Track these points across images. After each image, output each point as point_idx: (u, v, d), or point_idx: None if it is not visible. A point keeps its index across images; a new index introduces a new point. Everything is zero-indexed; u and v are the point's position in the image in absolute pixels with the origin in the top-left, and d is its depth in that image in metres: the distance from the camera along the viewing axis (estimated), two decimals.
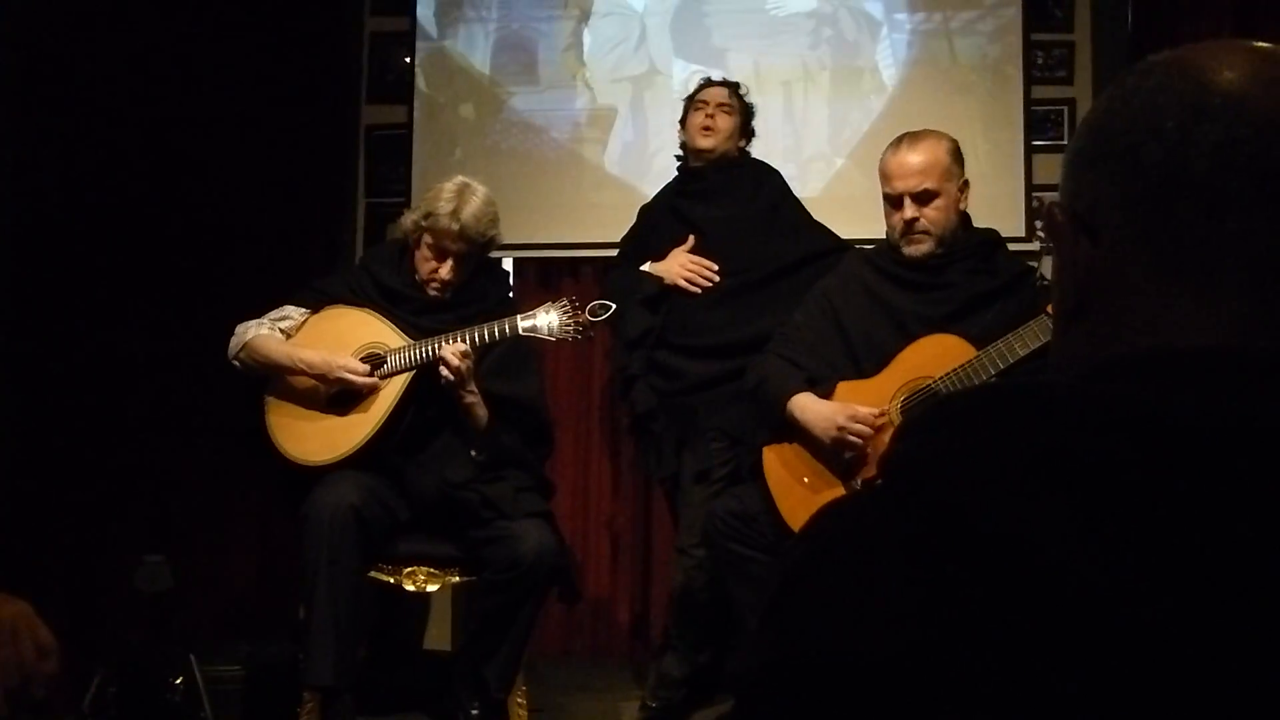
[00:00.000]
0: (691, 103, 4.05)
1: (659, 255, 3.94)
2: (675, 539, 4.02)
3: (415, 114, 4.71)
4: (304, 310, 3.57)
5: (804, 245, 3.91)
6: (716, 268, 3.87)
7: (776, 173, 4.09)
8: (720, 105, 3.99)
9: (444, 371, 3.30)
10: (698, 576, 3.70)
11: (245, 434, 3.60)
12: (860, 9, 4.41)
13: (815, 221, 4.01)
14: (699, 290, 3.86)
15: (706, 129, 3.96)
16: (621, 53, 4.43)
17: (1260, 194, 0.77)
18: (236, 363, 3.52)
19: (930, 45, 4.38)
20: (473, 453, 3.41)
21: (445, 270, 3.46)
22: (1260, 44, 0.83)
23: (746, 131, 4.06)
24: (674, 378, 3.84)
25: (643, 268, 3.95)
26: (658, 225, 4.05)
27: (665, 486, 4.04)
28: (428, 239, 3.46)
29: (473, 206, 3.44)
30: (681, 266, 3.88)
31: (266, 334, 3.50)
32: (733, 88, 4.07)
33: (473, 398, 3.38)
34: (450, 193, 3.47)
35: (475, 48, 4.60)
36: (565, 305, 3.34)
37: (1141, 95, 0.82)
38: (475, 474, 3.39)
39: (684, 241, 3.92)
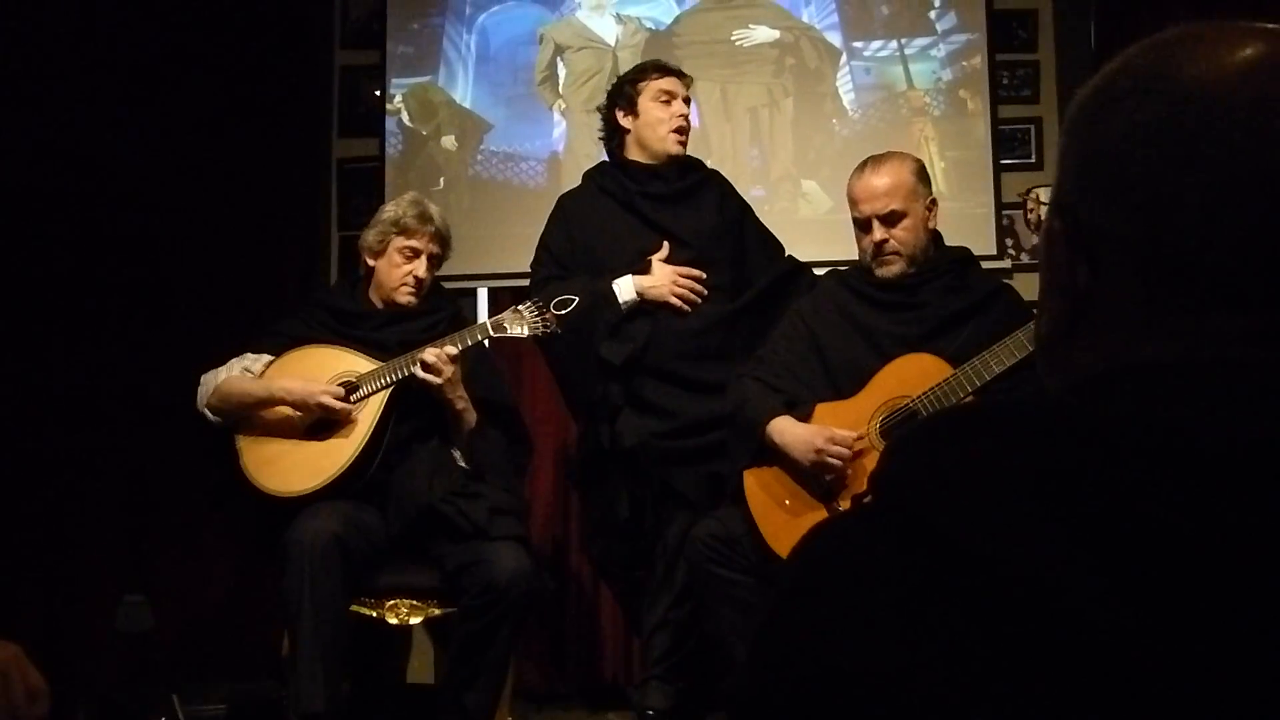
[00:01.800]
0: (642, 87, 3.74)
1: (628, 266, 3.67)
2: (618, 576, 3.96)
3: (400, 146, 4.76)
4: (265, 357, 3.54)
5: (775, 265, 3.80)
6: (704, 277, 3.66)
7: (727, 180, 3.92)
8: (687, 100, 3.76)
9: (428, 376, 3.30)
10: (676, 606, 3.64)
11: (211, 488, 3.57)
12: (820, 38, 4.53)
13: (769, 233, 3.88)
14: (688, 310, 3.65)
15: (682, 130, 3.72)
16: (595, 84, 4.51)
17: (1253, 212, 0.75)
18: (207, 410, 3.48)
19: (887, 70, 4.51)
20: (459, 459, 3.42)
21: (420, 268, 3.52)
22: (1259, 34, 0.80)
23: None
24: (667, 417, 3.60)
25: (620, 281, 3.64)
26: (618, 231, 3.73)
27: (625, 530, 3.72)
28: (398, 243, 3.52)
29: (435, 210, 3.58)
30: (673, 283, 3.63)
31: (237, 375, 3.49)
32: (688, 80, 3.81)
33: (462, 402, 3.41)
34: (409, 202, 3.59)
35: (456, 82, 4.71)
36: (530, 305, 3.37)
37: (1143, 118, 0.79)
38: (464, 482, 3.39)
39: (655, 249, 3.69)
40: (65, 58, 4.33)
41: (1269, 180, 0.76)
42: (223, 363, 3.53)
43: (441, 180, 4.71)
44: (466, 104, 4.74)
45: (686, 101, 3.76)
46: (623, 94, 3.78)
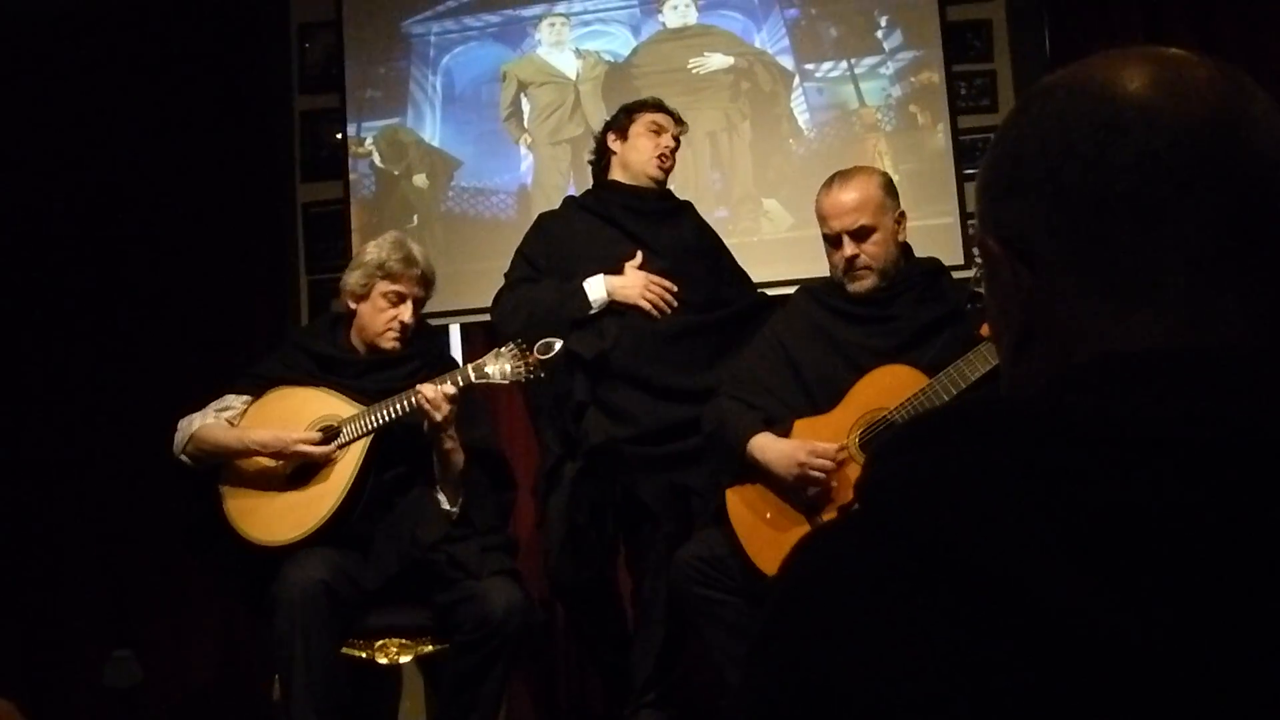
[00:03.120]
0: (638, 117, 3.86)
1: (599, 269, 3.70)
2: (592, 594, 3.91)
3: (374, 187, 4.82)
4: (245, 398, 3.50)
5: (748, 295, 3.87)
6: (677, 289, 3.69)
7: (704, 219, 4.02)
8: (675, 138, 3.87)
9: (429, 410, 3.23)
10: (655, 634, 3.65)
11: (187, 532, 3.54)
12: (773, 62, 4.64)
13: (744, 271, 3.96)
14: (658, 315, 3.66)
15: (665, 161, 3.82)
16: (559, 117, 4.63)
17: (1185, 200, 0.77)
18: (184, 457, 3.43)
19: (838, 90, 4.62)
20: (447, 505, 3.36)
21: (406, 313, 3.44)
22: (1154, 49, 0.84)
23: None
24: (629, 422, 3.61)
25: (592, 280, 3.68)
26: (591, 237, 3.79)
27: (596, 541, 3.75)
28: (383, 288, 3.43)
29: (418, 252, 3.49)
30: (645, 286, 3.67)
31: (212, 422, 3.43)
32: (679, 119, 3.92)
33: (452, 443, 3.34)
34: (391, 243, 3.49)
35: (424, 122, 4.80)
36: (512, 349, 3.28)
37: (1050, 119, 0.83)
38: (448, 529, 3.34)
39: (628, 256, 3.72)
40: (26, 110, 4.33)
41: (1184, 171, 0.78)
42: (200, 406, 3.48)
43: (415, 218, 4.78)
44: (435, 143, 4.82)
45: (676, 141, 3.86)
46: (617, 120, 3.89)
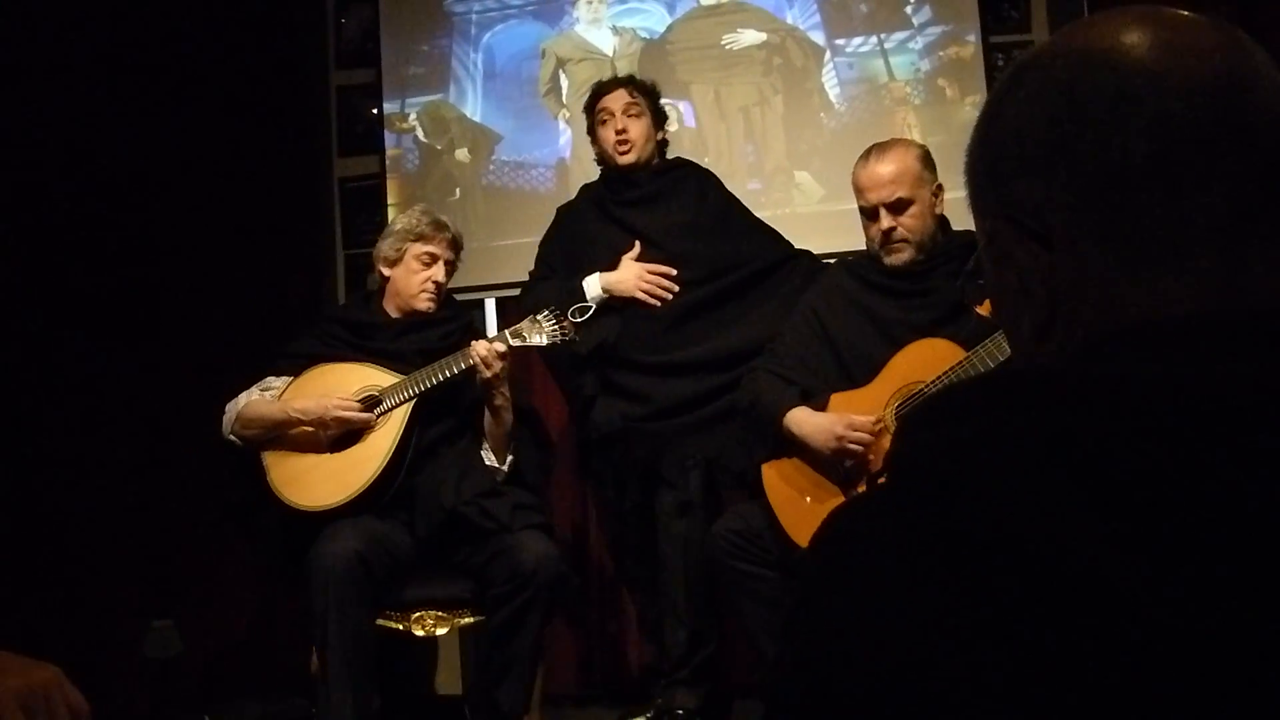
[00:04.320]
0: (593, 114, 3.93)
1: (601, 266, 3.79)
2: (633, 570, 4.03)
3: (417, 161, 4.93)
4: (285, 378, 3.58)
5: (763, 251, 3.84)
6: (675, 274, 3.74)
7: (713, 174, 4.04)
8: (625, 110, 3.87)
9: (481, 369, 3.33)
10: (684, 609, 3.70)
11: (233, 508, 3.59)
12: (805, 38, 4.70)
13: (764, 224, 3.96)
14: (658, 304, 3.72)
15: (623, 144, 3.83)
16: None
17: (1208, 163, 0.76)
18: (234, 438, 3.52)
19: (868, 65, 4.68)
20: (494, 462, 3.45)
21: (440, 273, 3.57)
22: (1145, 8, 0.83)
23: (660, 121, 3.94)
24: (642, 401, 3.70)
25: (589, 279, 3.77)
26: (595, 235, 3.88)
27: (629, 520, 3.89)
28: (415, 250, 3.57)
29: (447, 217, 3.64)
30: (639, 278, 3.74)
31: (256, 398, 3.51)
32: (627, 83, 3.96)
33: (503, 400, 3.43)
34: (420, 210, 3.66)
35: (466, 98, 4.92)
36: (547, 314, 3.41)
37: (1053, 91, 0.81)
38: (494, 485, 3.41)
39: (628, 250, 3.79)
40: (64, 87, 4.35)
41: (1203, 133, 0.77)
42: (243, 388, 3.56)
43: (457, 191, 4.89)
44: (477, 118, 4.93)
45: (635, 110, 3.87)
46: (587, 121, 4.00)
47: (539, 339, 3.36)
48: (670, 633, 3.77)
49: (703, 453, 3.67)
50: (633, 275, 3.75)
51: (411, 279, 3.57)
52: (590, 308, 3.37)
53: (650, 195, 3.89)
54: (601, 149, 3.94)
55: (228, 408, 3.54)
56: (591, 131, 3.98)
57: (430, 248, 3.57)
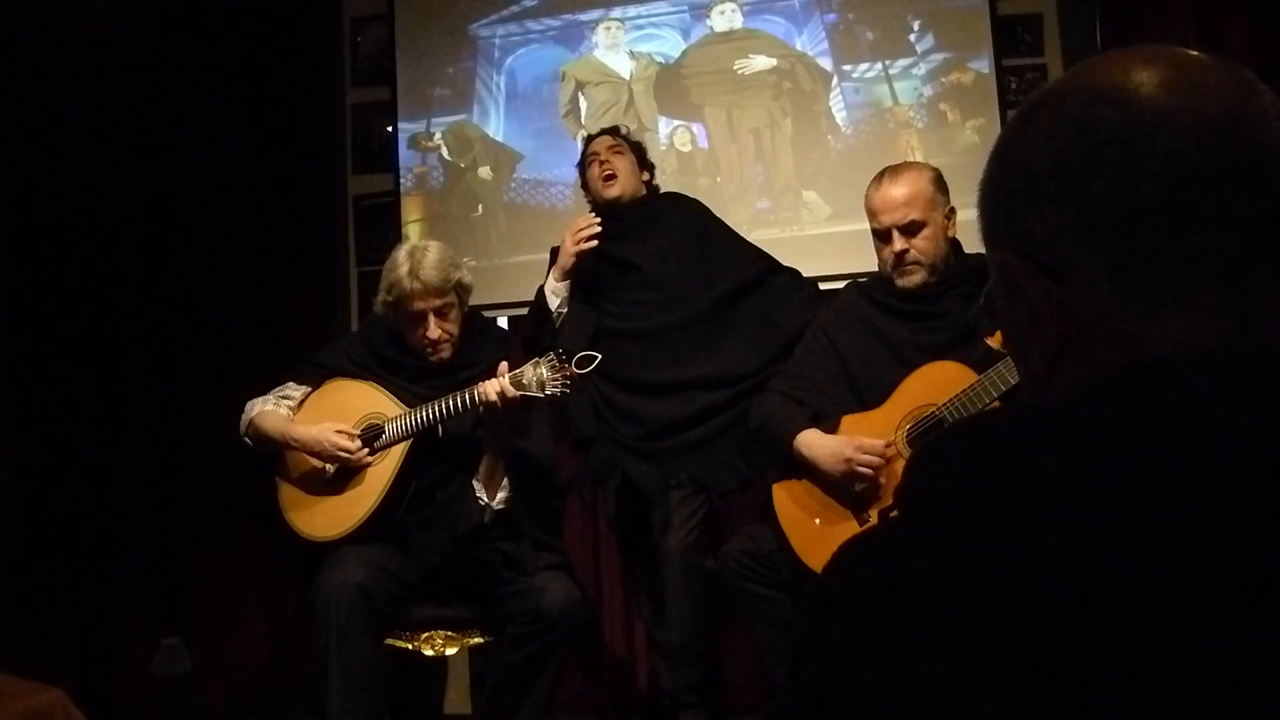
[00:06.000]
0: (584, 162, 4.11)
1: (596, 296, 3.92)
2: (635, 594, 4.06)
3: (442, 178, 5.08)
4: (305, 387, 3.56)
5: (743, 269, 3.89)
6: (597, 219, 3.88)
7: (697, 200, 4.14)
8: (610, 149, 4.04)
9: (485, 410, 3.24)
10: (674, 628, 3.71)
11: (253, 506, 3.59)
12: (813, 63, 4.88)
13: (747, 242, 4.03)
14: (595, 243, 3.83)
15: (608, 177, 3.98)
16: (614, 114, 4.87)
17: (1218, 202, 0.76)
18: (247, 439, 3.52)
19: (873, 89, 4.86)
20: (485, 499, 3.34)
21: (432, 330, 3.39)
22: (1154, 48, 0.83)
23: (645, 165, 4.09)
24: (635, 422, 3.76)
25: (548, 287, 3.92)
26: (591, 273, 3.95)
27: (625, 539, 3.98)
28: (402, 310, 3.40)
29: (428, 260, 3.39)
30: (570, 240, 3.87)
31: (270, 410, 3.50)
32: (613, 131, 4.14)
33: (493, 440, 3.32)
34: (403, 259, 3.41)
35: (489, 118, 5.10)
36: (552, 359, 3.21)
37: (1065, 127, 0.81)
38: (484, 521, 3.33)
39: (619, 283, 3.90)
40: (88, 107, 4.38)
41: (1212, 172, 0.77)
42: (264, 391, 3.55)
43: (480, 207, 5.05)
44: (499, 137, 5.10)
45: (616, 149, 4.04)
46: (581, 177, 4.16)
47: (537, 388, 3.19)
48: (676, 655, 3.77)
49: (689, 474, 3.68)
50: (566, 243, 3.90)
51: (410, 336, 3.46)
52: (595, 358, 3.28)
53: (635, 226, 3.97)
54: (591, 188, 4.06)
55: (247, 406, 3.53)
56: (584, 181, 4.13)
57: (413, 307, 3.39)
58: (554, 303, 3.88)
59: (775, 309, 3.78)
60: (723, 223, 4.08)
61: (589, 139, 4.18)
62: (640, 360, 3.78)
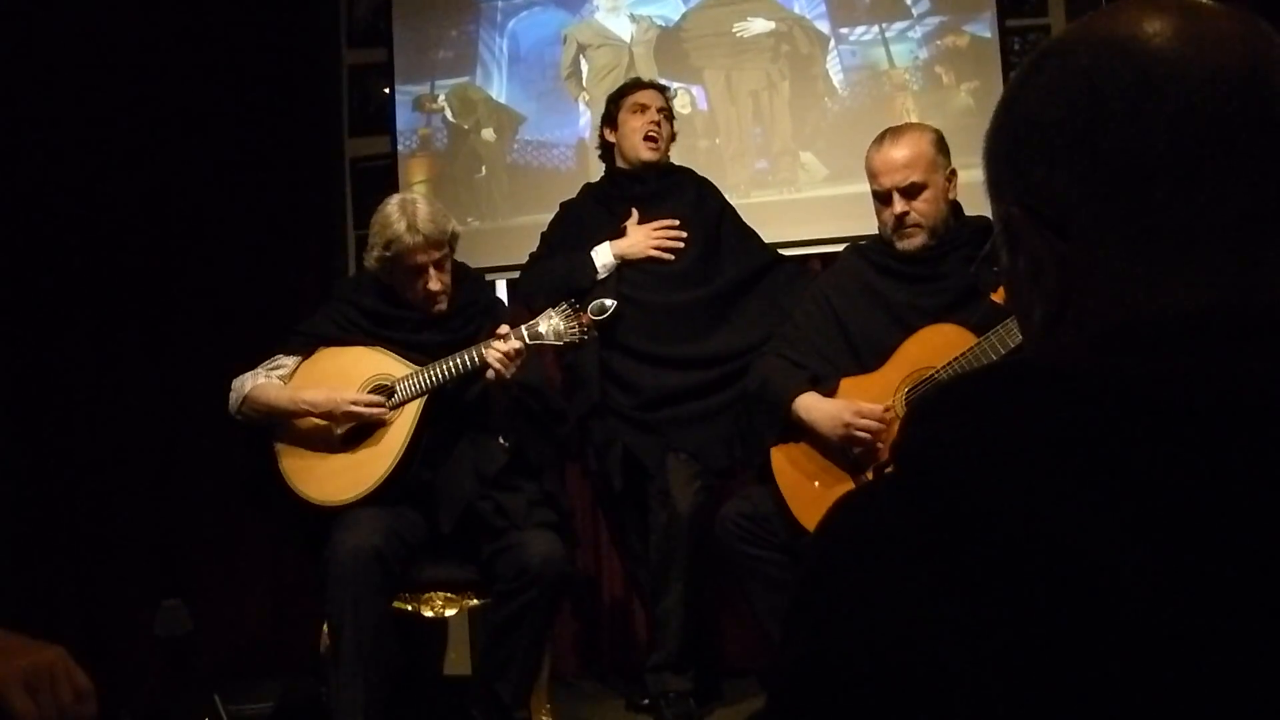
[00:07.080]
0: (623, 103, 4.06)
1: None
2: (628, 558, 4.13)
3: (446, 140, 5.10)
4: (295, 357, 3.51)
5: (751, 258, 3.96)
6: (679, 224, 3.87)
7: (710, 182, 4.17)
8: (661, 110, 4.03)
9: (496, 369, 3.24)
10: (665, 593, 3.76)
11: (251, 487, 3.57)
12: (811, 27, 4.92)
13: (754, 234, 4.08)
14: (671, 258, 3.83)
15: (652, 139, 3.97)
16: (615, 77, 4.86)
17: (1227, 157, 0.75)
18: (239, 417, 3.45)
19: (870, 53, 4.90)
20: (501, 439, 3.37)
21: (433, 282, 3.39)
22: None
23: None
24: (632, 392, 3.82)
25: (598, 248, 3.89)
26: (598, 225, 3.99)
27: (621, 507, 4.03)
28: (401, 265, 3.39)
29: (422, 213, 3.37)
30: (648, 237, 3.86)
31: (264, 382, 3.44)
32: (663, 89, 4.14)
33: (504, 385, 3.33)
34: (395, 213, 3.39)
35: (492, 81, 5.12)
36: (566, 309, 3.27)
37: (1074, 79, 0.80)
38: (507, 474, 3.36)
39: (627, 217, 3.94)
40: (79, 68, 4.36)
41: (1224, 125, 0.75)
42: (252, 365, 3.50)
43: (483, 168, 5.07)
44: (502, 99, 5.12)
45: (665, 113, 4.05)
46: (608, 112, 4.14)
47: (554, 336, 3.24)
48: (662, 619, 3.83)
49: (684, 447, 3.74)
50: (643, 235, 3.88)
51: (408, 290, 3.43)
52: (610, 306, 3.31)
53: (653, 193, 4.00)
54: (626, 140, 4.01)
55: (234, 385, 3.46)
56: (611, 120, 4.08)
57: (413, 260, 3.37)
58: (600, 273, 3.87)
59: (781, 294, 3.83)
60: (734, 210, 4.12)
61: (638, 83, 4.15)
62: (647, 331, 3.82)
